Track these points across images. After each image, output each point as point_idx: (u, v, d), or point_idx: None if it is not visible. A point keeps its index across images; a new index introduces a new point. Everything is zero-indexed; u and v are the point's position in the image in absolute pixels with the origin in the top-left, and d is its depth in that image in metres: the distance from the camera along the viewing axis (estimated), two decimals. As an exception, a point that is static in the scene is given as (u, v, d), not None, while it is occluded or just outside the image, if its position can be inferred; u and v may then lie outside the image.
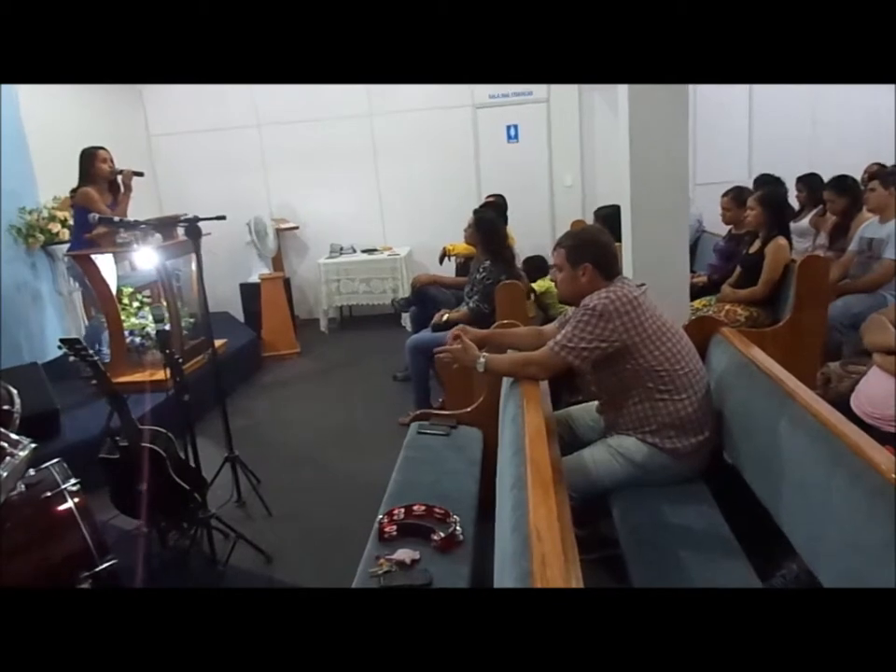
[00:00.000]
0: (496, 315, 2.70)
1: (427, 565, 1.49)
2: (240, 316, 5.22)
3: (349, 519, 2.39)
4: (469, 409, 2.33)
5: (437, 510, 1.72)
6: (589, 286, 1.83)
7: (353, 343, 5.04)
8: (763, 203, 3.03)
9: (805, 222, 3.86)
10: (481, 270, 3.16)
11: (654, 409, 1.79)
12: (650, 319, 1.78)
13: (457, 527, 1.64)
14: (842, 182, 3.45)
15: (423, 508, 1.71)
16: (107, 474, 2.17)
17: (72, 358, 1.93)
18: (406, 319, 4.66)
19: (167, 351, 2.16)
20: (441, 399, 3.16)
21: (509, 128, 5.43)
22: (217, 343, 2.98)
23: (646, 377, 1.78)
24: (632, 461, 1.82)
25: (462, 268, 3.98)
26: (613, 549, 1.67)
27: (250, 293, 5.04)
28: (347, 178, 5.51)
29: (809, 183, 3.90)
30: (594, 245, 1.86)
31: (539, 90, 5.33)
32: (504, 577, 1.06)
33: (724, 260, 3.48)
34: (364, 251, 5.48)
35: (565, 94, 5.33)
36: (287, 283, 5.22)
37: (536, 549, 1.00)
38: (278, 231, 5.37)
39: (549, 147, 5.43)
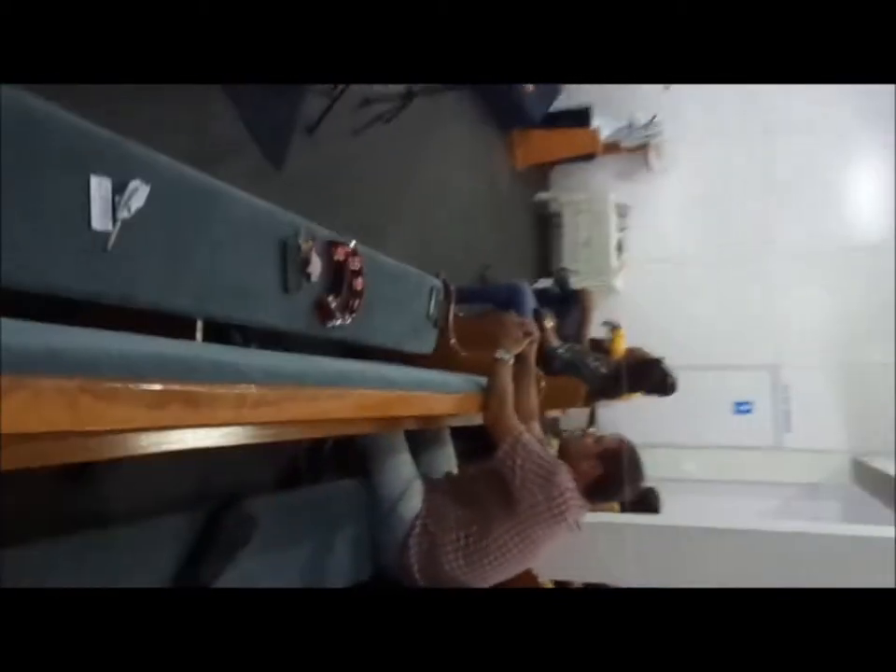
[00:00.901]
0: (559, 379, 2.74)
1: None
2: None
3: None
4: (452, 341, 2.35)
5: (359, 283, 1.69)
6: (581, 475, 1.80)
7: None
8: None
9: None
10: (603, 364, 3.16)
11: (462, 553, 1.77)
12: (545, 543, 1.78)
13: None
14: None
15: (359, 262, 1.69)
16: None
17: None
18: (542, 284, 4.63)
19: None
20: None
21: None
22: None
23: (491, 547, 1.75)
24: (408, 520, 1.80)
25: (596, 345, 3.95)
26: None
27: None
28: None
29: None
30: (625, 468, 1.81)
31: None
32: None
33: None
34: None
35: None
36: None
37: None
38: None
39: None
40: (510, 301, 3.14)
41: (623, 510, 3.22)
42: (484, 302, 3.37)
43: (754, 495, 5.08)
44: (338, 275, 1.65)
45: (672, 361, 3.34)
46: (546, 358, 2.95)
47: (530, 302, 3.32)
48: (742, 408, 5.35)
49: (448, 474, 2.09)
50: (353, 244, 1.70)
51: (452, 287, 2.38)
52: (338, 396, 1.19)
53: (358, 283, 1.70)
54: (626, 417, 4.89)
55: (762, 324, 5.29)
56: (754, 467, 5.18)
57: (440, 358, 2.26)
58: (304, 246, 1.53)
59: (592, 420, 4.03)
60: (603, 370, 3.15)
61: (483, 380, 1.94)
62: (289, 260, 1.48)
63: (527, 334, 1.98)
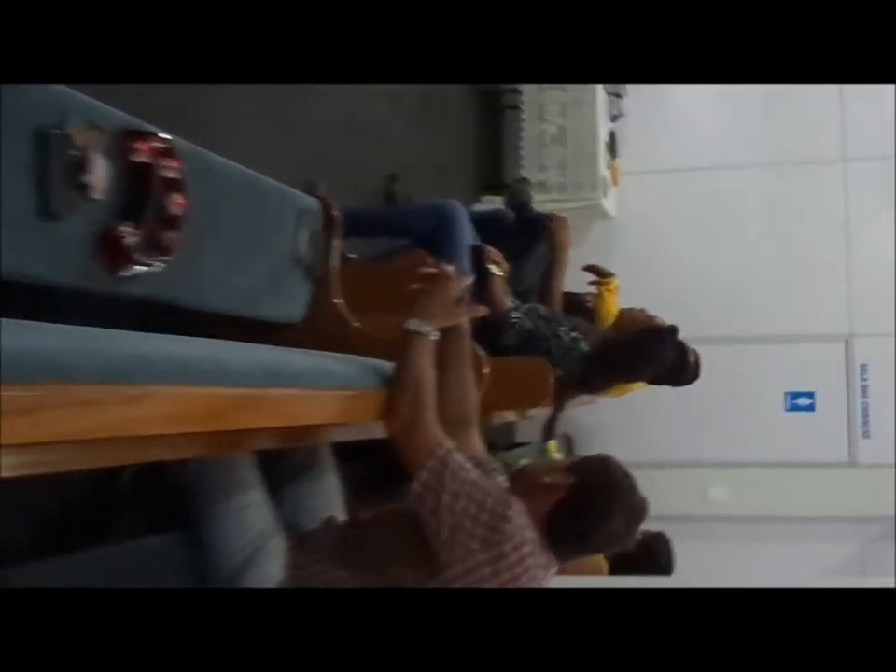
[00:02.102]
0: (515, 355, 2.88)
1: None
2: None
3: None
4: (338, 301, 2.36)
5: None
6: (540, 504, 1.86)
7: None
8: None
9: None
10: (585, 336, 3.19)
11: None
12: None
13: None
14: None
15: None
16: None
17: None
18: (487, 206, 4.66)
19: None
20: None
21: None
22: None
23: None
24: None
25: (573, 304, 3.96)
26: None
27: None
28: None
29: None
30: (609, 492, 1.90)
31: None
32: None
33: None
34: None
35: None
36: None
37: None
38: None
39: None
40: (433, 233, 3.15)
41: (614, 570, 3.31)
42: (392, 236, 3.39)
43: (818, 537, 5.33)
44: (139, 189, 1.63)
45: (691, 331, 3.41)
46: (493, 328, 2.95)
47: (466, 236, 3.31)
48: (799, 402, 5.57)
49: (330, 522, 2.10)
50: (166, 136, 1.68)
51: (337, 211, 2.36)
52: (136, 398, 1.17)
53: (175, 202, 1.68)
54: (619, 424, 4.97)
55: (830, 273, 5.50)
56: (817, 493, 5.41)
57: (316, 330, 2.28)
58: (79, 139, 1.49)
59: (549, 428, 4.02)
60: (583, 345, 3.17)
61: (388, 365, 1.96)
62: (53, 163, 1.44)
63: (460, 297, 1.99)
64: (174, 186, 1.67)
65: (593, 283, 3.92)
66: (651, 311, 3.39)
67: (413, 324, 1.90)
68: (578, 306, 3.91)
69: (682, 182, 5.70)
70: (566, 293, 3.87)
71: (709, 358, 3.51)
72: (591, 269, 3.90)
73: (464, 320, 2.08)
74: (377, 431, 1.92)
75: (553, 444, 4.04)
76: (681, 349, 3.31)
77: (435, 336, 1.92)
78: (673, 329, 3.27)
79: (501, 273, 3.21)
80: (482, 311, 2.12)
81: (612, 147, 5.54)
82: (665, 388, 3.46)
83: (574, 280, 3.93)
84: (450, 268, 2.02)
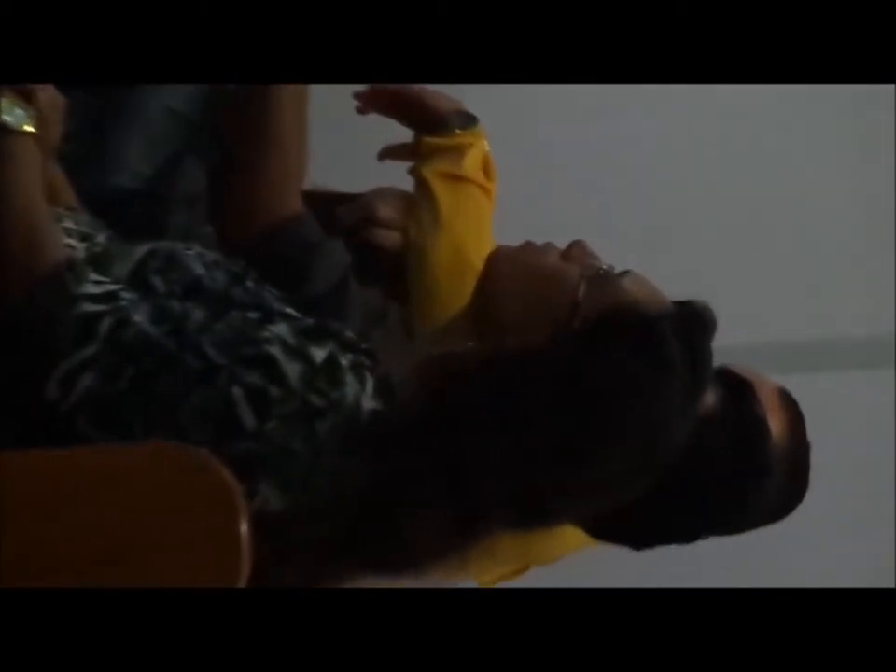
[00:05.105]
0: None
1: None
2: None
3: None
4: None
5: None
6: None
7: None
8: None
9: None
10: (355, 362, 1.74)
11: None
12: None
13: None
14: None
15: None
16: None
17: None
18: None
19: None
20: None
21: None
22: None
23: None
24: None
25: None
26: None
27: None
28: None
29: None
30: None
31: None
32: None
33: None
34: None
35: None
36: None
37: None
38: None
39: None
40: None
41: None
42: None
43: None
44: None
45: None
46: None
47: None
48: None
49: None
50: None
51: None
52: None
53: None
54: None
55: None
56: None
57: None
58: None
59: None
60: (364, 389, 1.19)
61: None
62: None
63: None
64: None
65: (389, 155, 2.41)
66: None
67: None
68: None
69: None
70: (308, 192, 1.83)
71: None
72: (381, 100, 2.33)
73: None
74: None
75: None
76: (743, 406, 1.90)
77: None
78: (699, 318, 1.48)
79: (33, 128, 1.41)
80: None
81: None
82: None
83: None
84: None
